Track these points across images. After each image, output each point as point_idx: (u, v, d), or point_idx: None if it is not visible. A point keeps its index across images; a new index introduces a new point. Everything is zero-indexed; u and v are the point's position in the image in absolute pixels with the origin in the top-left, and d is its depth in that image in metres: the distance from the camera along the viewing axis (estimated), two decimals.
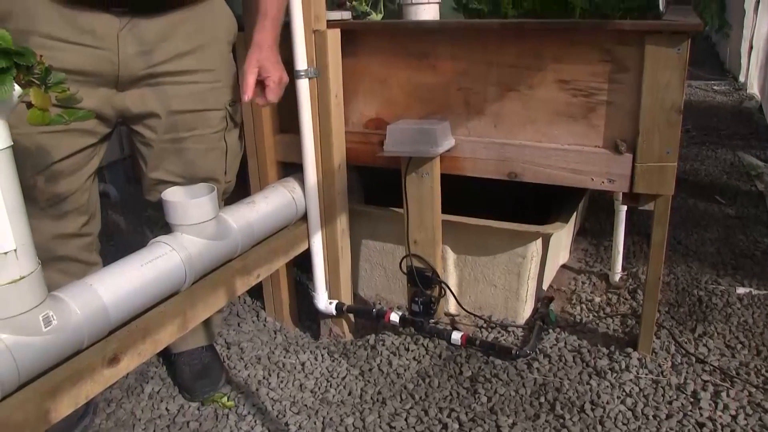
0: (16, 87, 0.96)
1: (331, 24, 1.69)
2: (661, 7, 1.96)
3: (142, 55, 1.35)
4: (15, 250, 1.03)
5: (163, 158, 1.48)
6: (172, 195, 1.43)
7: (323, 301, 1.86)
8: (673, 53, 1.46)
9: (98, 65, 1.32)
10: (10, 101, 0.96)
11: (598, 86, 1.57)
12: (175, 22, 1.37)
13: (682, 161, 3.47)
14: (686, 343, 1.80)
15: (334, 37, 1.66)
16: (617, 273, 2.18)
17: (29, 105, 0.99)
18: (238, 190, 1.69)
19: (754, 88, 5.17)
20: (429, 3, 1.82)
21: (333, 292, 1.87)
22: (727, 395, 1.58)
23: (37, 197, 1.35)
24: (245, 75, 1.43)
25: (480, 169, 1.71)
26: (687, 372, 1.67)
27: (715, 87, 5.58)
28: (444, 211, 1.78)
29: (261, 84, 1.46)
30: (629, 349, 1.74)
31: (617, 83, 1.55)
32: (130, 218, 2.91)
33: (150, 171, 1.50)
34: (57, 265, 1.41)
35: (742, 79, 5.49)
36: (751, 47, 5.24)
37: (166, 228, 1.46)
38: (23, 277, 1.05)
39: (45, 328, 1.09)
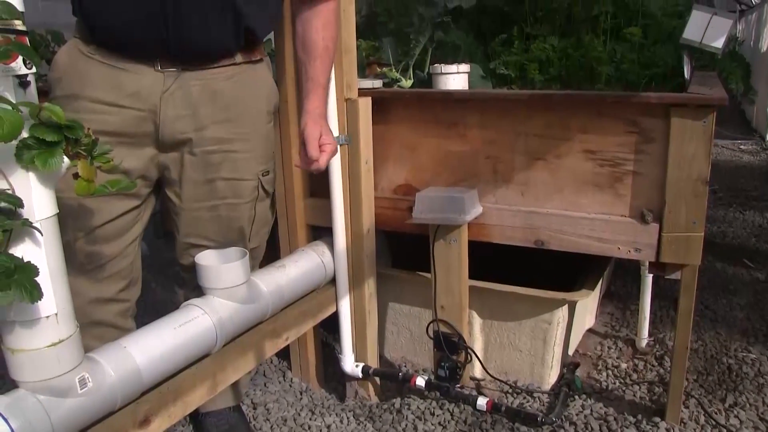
0: (65, 158, 1.01)
1: (362, 92, 1.75)
2: (686, 74, 1.98)
3: (181, 119, 1.39)
4: (56, 314, 1.06)
5: (194, 224, 1.50)
6: (205, 259, 1.47)
7: (350, 364, 1.87)
8: (698, 125, 1.48)
9: (141, 126, 1.37)
10: (59, 172, 1.02)
11: (625, 156, 1.59)
12: (216, 88, 1.41)
13: (709, 223, 3.45)
14: (716, 413, 1.77)
15: (365, 105, 1.72)
16: (644, 338, 2.16)
17: (76, 175, 1.04)
18: (269, 252, 1.72)
19: None
20: (458, 73, 1.87)
21: (359, 354, 1.88)
22: None
23: (79, 259, 1.38)
24: (311, 144, 1.43)
25: (507, 237, 1.73)
26: None
27: (741, 146, 5.56)
28: (470, 271, 1.79)
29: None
30: (657, 419, 1.71)
31: (643, 154, 1.57)
32: (159, 273, 2.95)
33: (182, 237, 1.53)
34: (93, 331, 1.41)
35: None
36: None
37: (197, 290, 1.49)
38: (62, 341, 1.08)
39: (80, 389, 1.12)
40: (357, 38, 1.73)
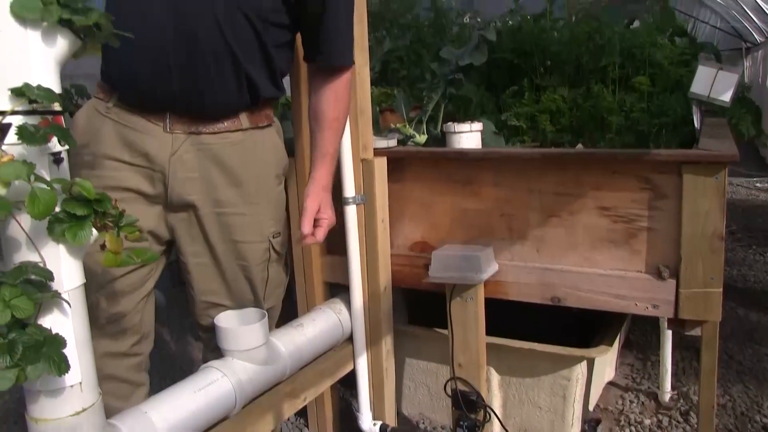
0: (93, 231, 1.04)
1: (377, 152, 1.78)
2: (695, 123, 2.00)
3: (190, 181, 1.41)
4: (80, 383, 1.08)
5: (207, 285, 1.51)
6: (224, 321, 1.48)
7: (367, 422, 1.86)
8: (711, 182, 1.49)
9: (152, 185, 1.41)
10: (87, 243, 1.04)
11: (639, 213, 1.60)
12: (224, 154, 1.43)
13: (729, 266, 3.40)
14: None
15: (380, 165, 1.75)
16: (667, 392, 2.13)
17: (103, 246, 1.06)
18: (287, 307, 1.73)
19: None
20: (471, 131, 1.91)
21: (377, 412, 1.88)
22: None
23: (97, 316, 1.39)
24: (306, 218, 1.47)
25: (523, 294, 1.74)
26: None
27: (757, 185, 5.53)
28: (487, 325, 1.78)
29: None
30: None
31: (657, 210, 1.58)
32: (175, 324, 2.97)
33: (198, 295, 1.54)
34: (105, 386, 1.37)
35: None
36: None
37: (216, 350, 1.50)
38: (85, 409, 1.09)
39: None
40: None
